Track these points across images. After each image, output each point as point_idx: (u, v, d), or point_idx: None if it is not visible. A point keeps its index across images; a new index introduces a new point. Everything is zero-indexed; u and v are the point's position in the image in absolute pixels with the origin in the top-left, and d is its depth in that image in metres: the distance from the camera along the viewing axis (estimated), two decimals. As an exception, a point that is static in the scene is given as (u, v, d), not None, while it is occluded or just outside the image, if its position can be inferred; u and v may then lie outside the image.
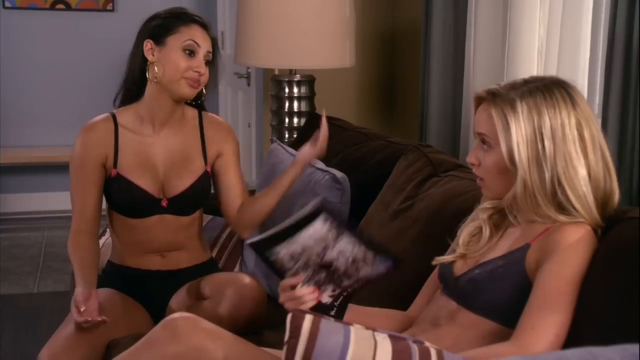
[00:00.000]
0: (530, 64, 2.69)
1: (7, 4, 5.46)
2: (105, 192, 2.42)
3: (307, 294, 1.72)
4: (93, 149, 2.38)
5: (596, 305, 1.58)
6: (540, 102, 1.67)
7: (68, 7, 5.54)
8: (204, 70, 2.36)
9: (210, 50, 2.39)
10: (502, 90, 1.71)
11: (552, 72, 2.55)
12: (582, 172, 1.66)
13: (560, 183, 1.66)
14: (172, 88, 2.36)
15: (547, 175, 1.66)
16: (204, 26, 2.40)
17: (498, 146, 1.70)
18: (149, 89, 2.40)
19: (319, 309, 1.73)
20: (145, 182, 2.39)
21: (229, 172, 2.50)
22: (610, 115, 2.22)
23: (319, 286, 1.74)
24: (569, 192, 1.66)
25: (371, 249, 1.74)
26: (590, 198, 1.67)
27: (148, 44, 2.37)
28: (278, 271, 1.74)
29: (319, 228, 1.71)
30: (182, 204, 2.43)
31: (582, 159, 1.66)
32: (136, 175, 2.39)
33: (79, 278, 2.27)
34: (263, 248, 1.71)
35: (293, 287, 1.73)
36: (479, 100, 1.77)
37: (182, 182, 2.42)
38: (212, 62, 2.41)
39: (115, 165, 2.39)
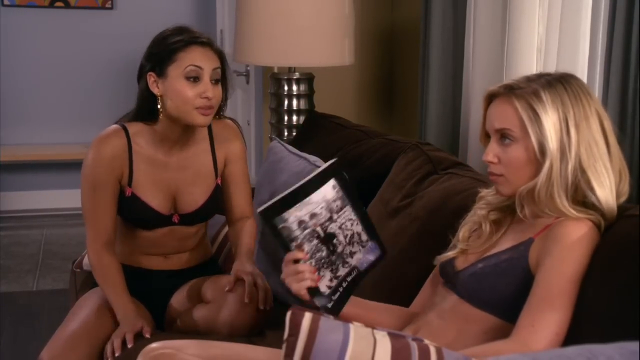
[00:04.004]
0: (530, 61, 2.69)
1: (6, 2, 5.45)
2: (119, 206, 2.37)
3: (308, 272, 1.71)
4: (109, 165, 2.29)
5: (596, 302, 1.58)
6: (562, 92, 1.68)
7: (67, 5, 5.54)
8: (212, 93, 2.23)
9: (217, 66, 2.26)
10: (520, 83, 1.71)
11: (551, 69, 2.55)
12: (605, 159, 1.67)
13: (583, 171, 1.66)
14: (184, 119, 2.25)
15: (571, 164, 1.66)
16: (204, 44, 2.26)
17: (524, 138, 1.68)
18: (162, 119, 2.29)
19: (317, 295, 1.73)
20: (158, 203, 2.34)
21: (235, 185, 2.45)
22: (609, 112, 2.21)
23: (319, 269, 1.73)
24: (592, 180, 1.66)
25: (367, 231, 1.75)
26: (613, 186, 1.68)
27: (151, 77, 2.25)
28: (284, 242, 1.70)
29: (327, 193, 1.69)
30: (194, 219, 2.41)
31: (605, 147, 1.68)
32: (150, 196, 2.34)
33: (120, 310, 2.26)
34: (272, 214, 1.67)
35: (296, 262, 1.72)
36: (491, 98, 1.76)
37: (195, 201, 2.38)
38: (222, 77, 2.29)
39: (130, 183, 2.32)
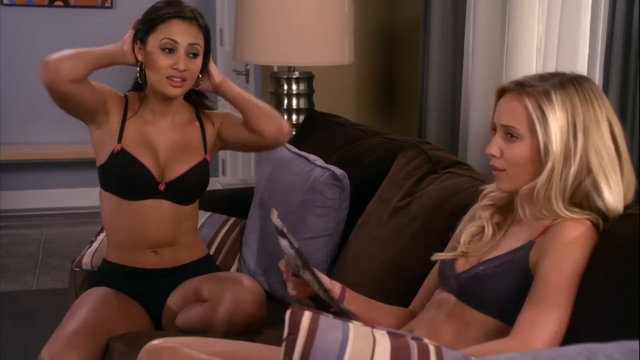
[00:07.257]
0: (529, 60, 2.69)
1: (6, 1, 5.45)
2: (104, 170, 2.42)
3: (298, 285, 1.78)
4: (104, 90, 2.47)
5: (595, 301, 1.58)
6: (573, 94, 1.67)
7: (67, 4, 5.54)
8: (184, 66, 2.33)
9: (194, 42, 2.35)
10: (532, 81, 1.71)
11: (551, 69, 2.55)
12: (615, 164, 1.67)
13: (591, 175, 1.65)
14: (157, 88, 2.38)
15: (573, 168, 1.65)
16: (186, 18, 2.36)
17: (529, 137, 1.68)
18: (147, 88, 2.43)
19: (319, 305, 1.74)
20: (147, 161, 2.40)
21: (236, 127, 2.49)
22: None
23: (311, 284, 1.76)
24: (601, 184, 1.65)
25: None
26: (621, 191, 1.67)
27: (137, 45, 2.39)
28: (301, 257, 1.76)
29: (287, 248, 1.73)
30: (180, 189, 2.42)
31: (614, 152, 1.67)
32: (139, 152, 2.41)
33: (103, 51, 2.55)
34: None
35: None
36: (502, 92, 1.76)
37: (181, 167, 2.43)
38: (206, 53, 2.40)
39: (119, 140, 2.40)
